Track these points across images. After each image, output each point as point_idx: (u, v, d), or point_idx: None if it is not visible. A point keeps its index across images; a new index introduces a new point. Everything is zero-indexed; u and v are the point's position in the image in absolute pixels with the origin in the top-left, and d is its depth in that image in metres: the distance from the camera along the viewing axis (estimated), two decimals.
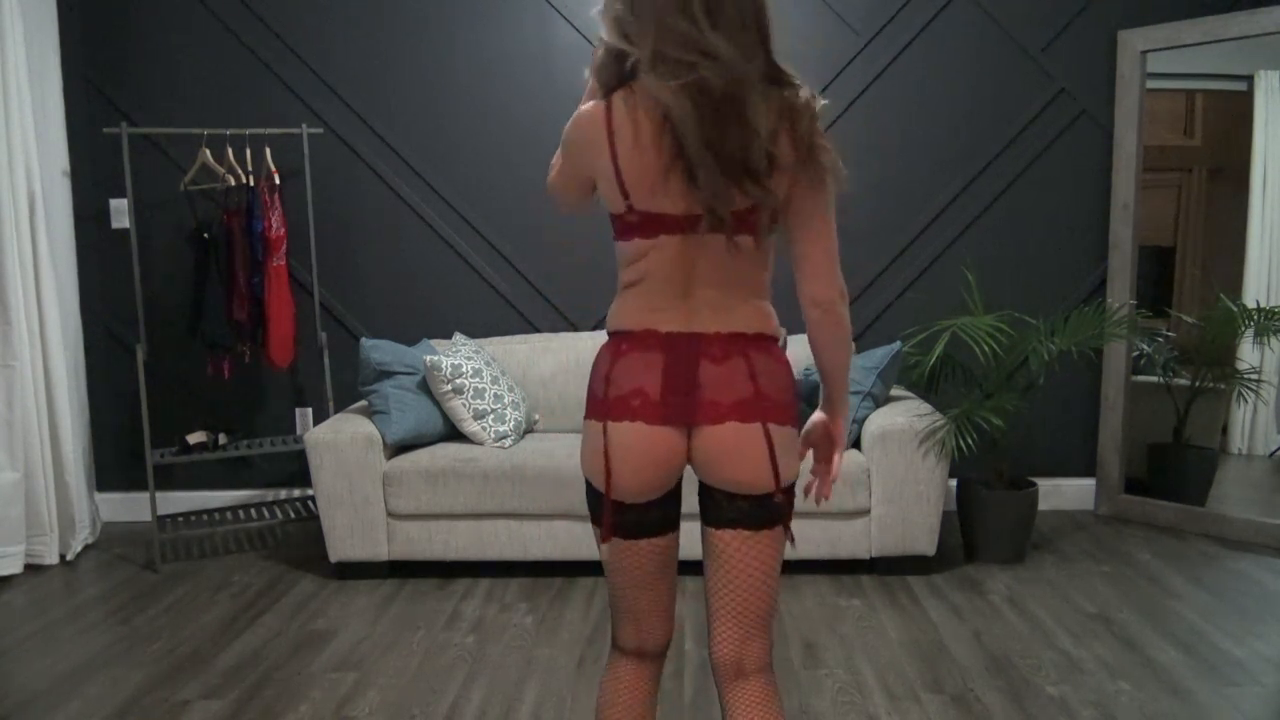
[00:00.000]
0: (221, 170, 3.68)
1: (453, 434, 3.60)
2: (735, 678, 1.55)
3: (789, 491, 1.51)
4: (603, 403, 1.50)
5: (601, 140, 1.45)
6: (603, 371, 1.52)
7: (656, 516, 1.55)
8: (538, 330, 4.12)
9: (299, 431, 4.16)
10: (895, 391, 3.73)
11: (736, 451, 1.47)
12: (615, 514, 1.53)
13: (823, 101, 1.45)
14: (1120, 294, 3.88)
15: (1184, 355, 3.87)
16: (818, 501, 1.66)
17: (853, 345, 1.48)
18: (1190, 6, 3.79)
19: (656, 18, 1.38)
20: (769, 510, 1.50)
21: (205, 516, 4.03)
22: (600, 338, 3.86)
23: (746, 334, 1.49)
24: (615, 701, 1.61)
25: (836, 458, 1.64)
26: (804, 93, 1.43)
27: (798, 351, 3.78)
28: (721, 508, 1.52)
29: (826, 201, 1.46)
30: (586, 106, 1.49)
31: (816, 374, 3.59)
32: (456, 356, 3.57)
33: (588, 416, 1.54)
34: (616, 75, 1.45)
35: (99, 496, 4.15)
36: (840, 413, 1.63)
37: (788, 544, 1.56)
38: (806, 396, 3.39)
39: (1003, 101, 3.95)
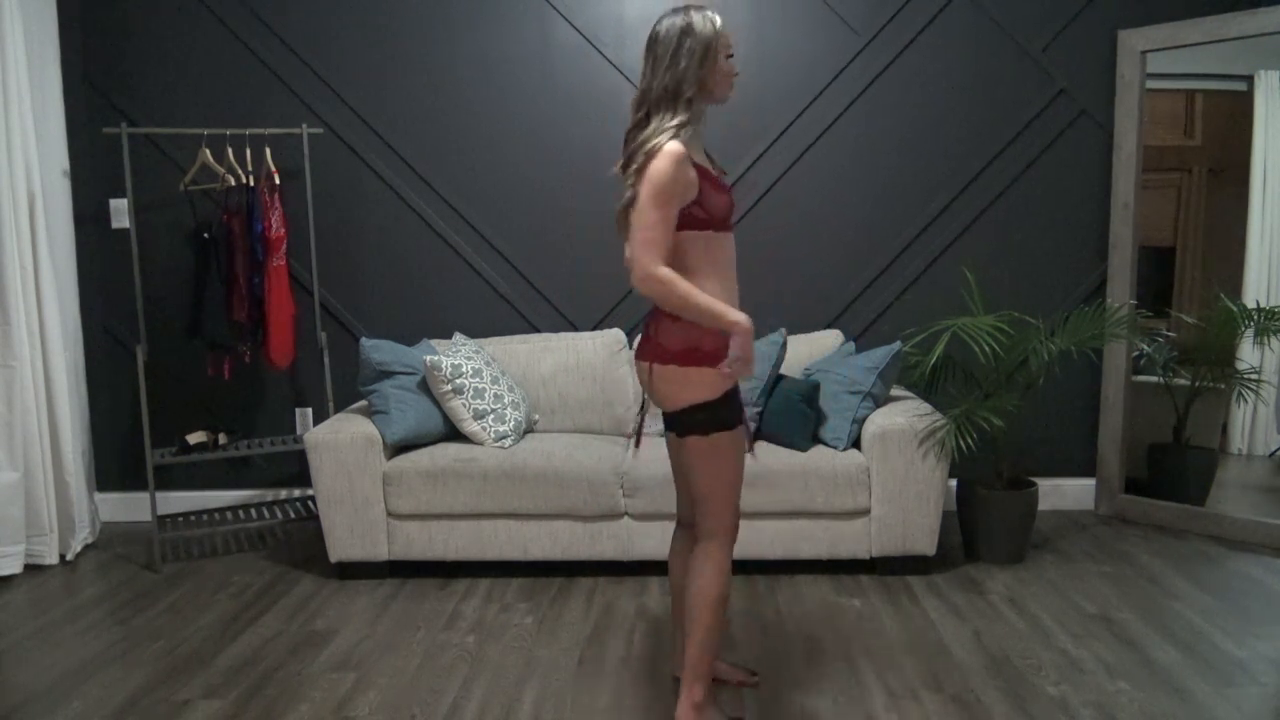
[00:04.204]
0: (221, 170, 3.68)
1: (453, 434, 3.60)
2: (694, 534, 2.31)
3: (689, 411, 2.15)
4: None
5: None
6: None
7: (666, 420, 2.27)
8: (538, 330, 4.12)
9: (299, 431, 4.16)
10: (895, 391, 3.73)
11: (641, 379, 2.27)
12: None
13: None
14: (1120, 294, 3.88)
15: (1184, 355, 3.87)
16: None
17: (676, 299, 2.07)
18: (1190, 6, 3.79)
19: None
20: (679, 422, 2.19)
21: (205, 516, 4.03)
22: (601, 337, 3.87)
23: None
24: (672, 549, 2.49)
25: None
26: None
27: (799, 350, 3.80)
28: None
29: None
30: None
31: (816, 373, 3.61)
32: (456, 356, 3.57)
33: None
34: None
35: (99, 496, 4.15)
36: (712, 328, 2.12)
37: (748, 455, 2.28)
38: (805, 395, 3.39)
39: (1003, 101, 3.95)
